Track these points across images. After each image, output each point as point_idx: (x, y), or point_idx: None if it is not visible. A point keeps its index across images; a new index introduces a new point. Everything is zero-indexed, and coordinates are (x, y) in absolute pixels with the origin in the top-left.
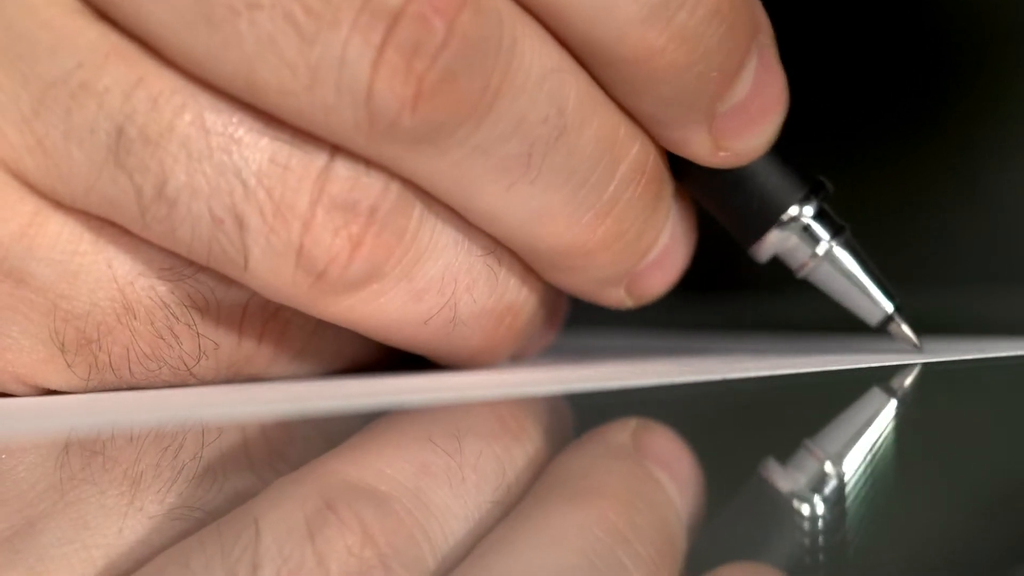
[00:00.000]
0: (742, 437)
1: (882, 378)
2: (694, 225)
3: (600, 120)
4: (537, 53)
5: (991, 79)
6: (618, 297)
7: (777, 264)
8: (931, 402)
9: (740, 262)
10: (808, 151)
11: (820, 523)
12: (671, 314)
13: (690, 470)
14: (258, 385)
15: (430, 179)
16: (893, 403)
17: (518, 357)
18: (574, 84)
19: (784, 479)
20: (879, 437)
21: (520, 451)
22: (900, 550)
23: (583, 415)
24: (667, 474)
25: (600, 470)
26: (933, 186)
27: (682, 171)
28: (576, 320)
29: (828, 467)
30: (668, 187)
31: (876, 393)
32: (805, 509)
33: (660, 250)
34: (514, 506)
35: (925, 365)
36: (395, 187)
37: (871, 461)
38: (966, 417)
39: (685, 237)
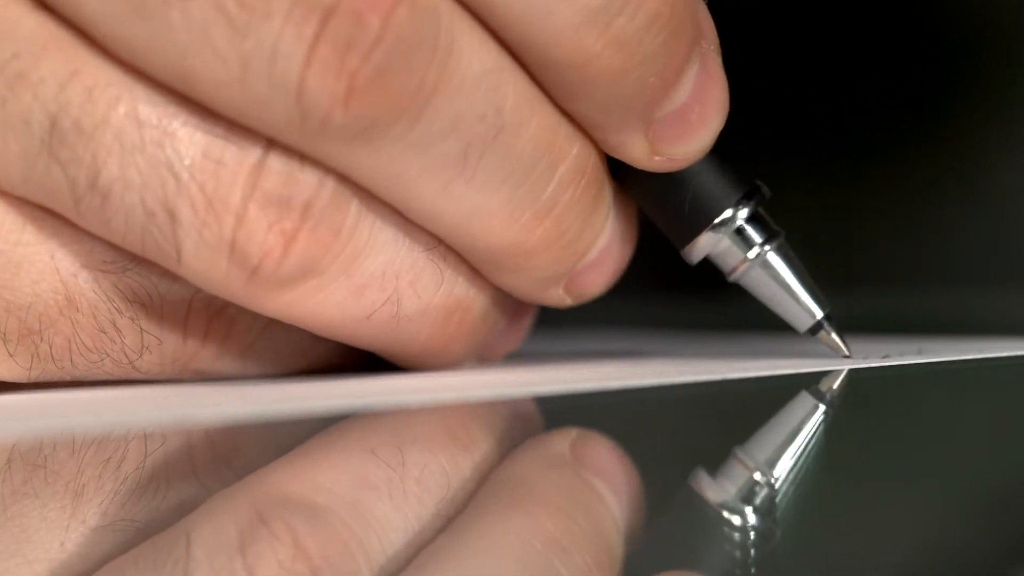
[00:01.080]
0: (679, 444)
1: (810, 383)
2: (635, 225)
3: (539, 121)
4: (475, 52)
5: (991, 80)
6: (557, 296)
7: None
8: (861, 405)
9: None
10: (808, 151)
11: (751, 533)
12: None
13: (626, 479)
14: (205, 386)
15: (365, 176)
16: (821, 408)
17: (484, 359)
18: (512, 84)
19: (713, 488)
20: (806, 443)
21: (467, 460)
22: (847, 557)
23: (519, 422)
24: (604, 483)
25: (539, 481)
26: (933, 186)
27: (619, 171)
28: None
29: (758, 476)
30: (608, 188)
31: (804, 398)
32: (736, 519)
33: (599, 250)
34: (455, 517)
35: (855, 370)
36: (330, 183)
37: (799, 468)
38: (966, 417)
39: (625, 237)
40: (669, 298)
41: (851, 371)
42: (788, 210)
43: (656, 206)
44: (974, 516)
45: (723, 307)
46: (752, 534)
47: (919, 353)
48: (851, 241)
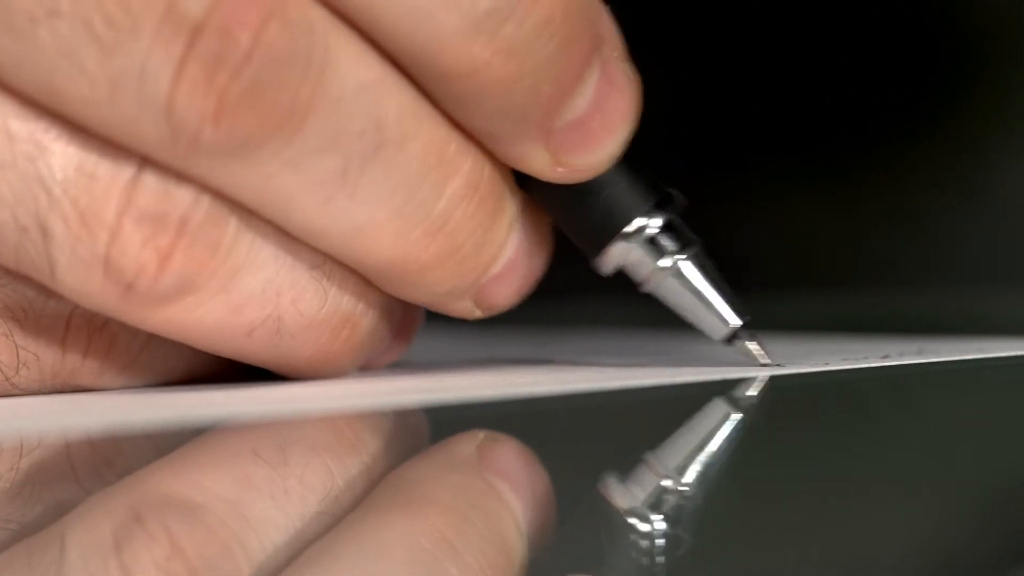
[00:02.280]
0: (589, 450)
1: (725, 390)
2: (547, 236)
3: (426, 135)
4: (354, 65)
5: (991, 80)
6: (466, 308)
7: (777, 264)
8: (778, 412)
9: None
10: (808, 152)
11: (658, 540)
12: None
13: (532, 484)
14: (87, 395)
15: (242, 193)
16: (734, 415)
17: (366, 368)
18: (395, 98)
19: (622, 494)
20: (718, 450)
21: (355, 463)
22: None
23: (412, 428)
24: (507, 486)
25: (437, 481)
26: (934, 186)
27: (526, 182)
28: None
29: (667, 482)
30: (509, 201)
31: (717, 404)
32: (643, 526)
33: (505, 263)
34: (343, 517)
35: (780, 377)
36: (207, 200)
37: (709, 475)
38: (966, 417)
39: (535, 249)
40: None
41: (773, 378)
42: (788, 210)
43: (566, 217)
44: (974, 516)
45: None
46: (660, 541)
47: (919, 353)
48: (851, 241)
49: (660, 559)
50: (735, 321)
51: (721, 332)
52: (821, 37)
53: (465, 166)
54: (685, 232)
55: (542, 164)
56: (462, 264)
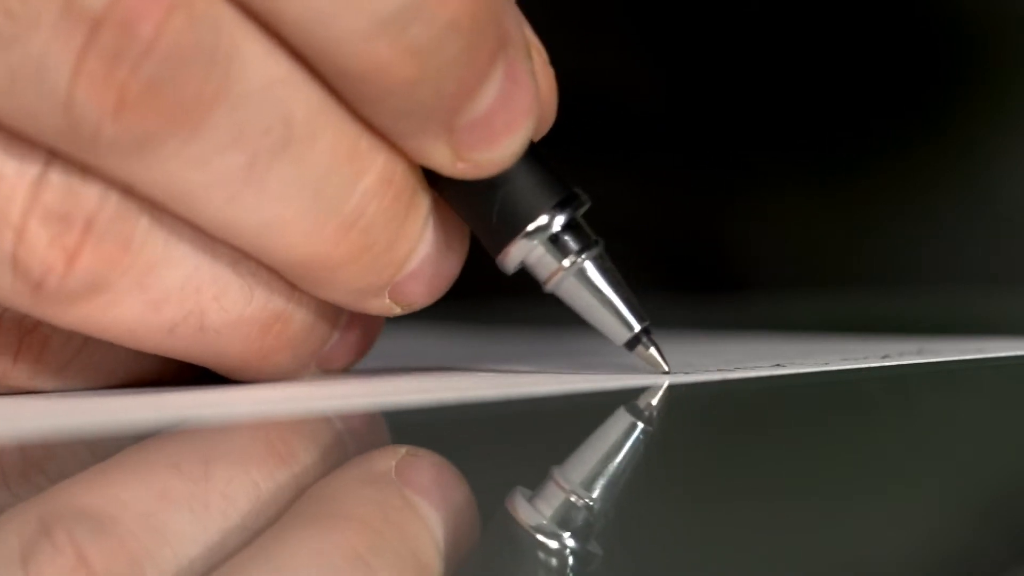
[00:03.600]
0: (505, 461)
1: (628, 399)
2: (463, 233)
3: (335, 132)
4: (261, 62)
5: (991, 80)
6: (383, 306)
7: (777, 264)
8: (677, 422)
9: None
10: (808, 152)
11: (568, 556)
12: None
13: (448, 500)
14: (23, 398)
15: (148, 189)
16: (640, 425)
17: (326, 369)
18: (304, 95)
19: (529, 511)
20: (623, 462)
21: (283, 475)
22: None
23: (342, 436)
24: (426, 503)
25: (354, 496)
26: (933, 187)
27: (434, 179)
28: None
29: (574, 498)
30: (422, 198)
31: (621, 414)
32: (552, 543)
33: (420, 260)
34: (260, 532)
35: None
36: (115, 197)
37: (616, 488)
38: (966, 417)
39: (450, 246)
40: (667, 298)
41: (671, 386)
42: (789, 210)
43: (470, 213)
44: (974, 516)
45: (723, 307)
46: (569, 558)
47: (919, 353)
48: (851, 241)
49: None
50: (636, 325)
51: (622, 336)
52: (822, 37)
53: (377, 163)
54: (588, 232)
55: (444, 160)
56: (376, 261)
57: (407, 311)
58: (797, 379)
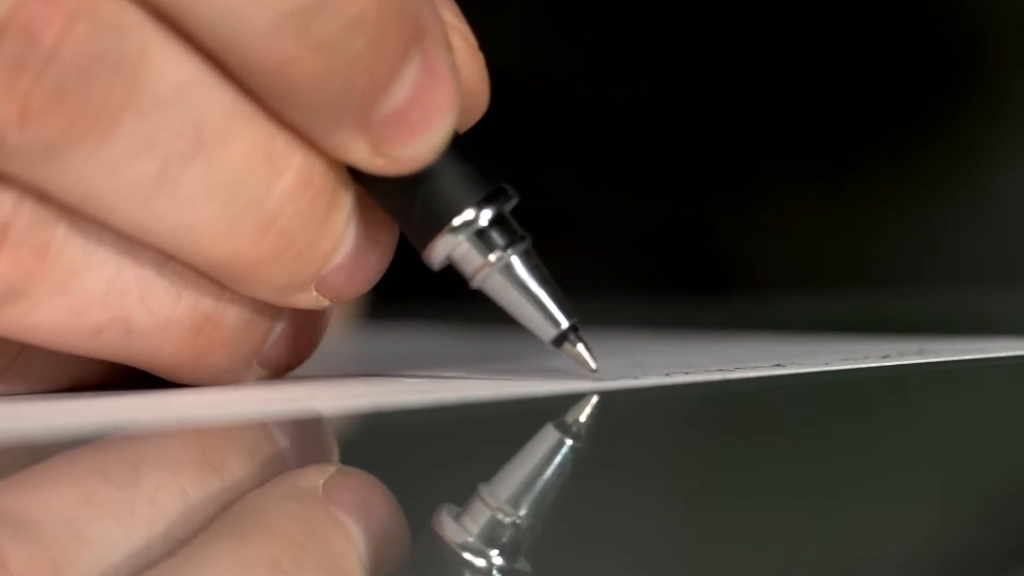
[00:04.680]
0: (432, 476)
1: (557, 411)
2: (391, 228)
3: (249, 133)
4: (170, 65)
5: (991, 80)
6: (310, 299)
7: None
8: (605, 432)
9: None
10: (808, 152)
11: (497, 573)
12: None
13: (374, 518)
14: None
15: (62, 196)
16: (568, 441)
17: (274, 369)
18: (215, 97)
19: (455, 529)
20: (548, 477)
21: (214, 484)
22: None
23: (279, 444)
24: (350, 520)
25: (280, 511)
26: (933, 187)
27: (358, 174)
28: None
29: (500, 515)
30: (344, 194)
31: (549, 430)
32: (479, 561)
33: (345, 255)
34: (185, 541)
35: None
36: (29, 204)
37: (544, 504)
38: (966, 417)
39: (378, 240)
40: (668, 299)
41: (602, 395)
42: (789, 210)
43: (395, 209)
44: (973, 516)
45: (723, 307)
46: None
47: (919, 353)
48: (851, 241)
49: None
50: (564, 322)
51: (549, 333)
52: (822, 38)
53: (294, 163)
54: (516, 227)
55: (361, 156)
56: (297, 260)
57: (337, 303)
58: (797, 379)
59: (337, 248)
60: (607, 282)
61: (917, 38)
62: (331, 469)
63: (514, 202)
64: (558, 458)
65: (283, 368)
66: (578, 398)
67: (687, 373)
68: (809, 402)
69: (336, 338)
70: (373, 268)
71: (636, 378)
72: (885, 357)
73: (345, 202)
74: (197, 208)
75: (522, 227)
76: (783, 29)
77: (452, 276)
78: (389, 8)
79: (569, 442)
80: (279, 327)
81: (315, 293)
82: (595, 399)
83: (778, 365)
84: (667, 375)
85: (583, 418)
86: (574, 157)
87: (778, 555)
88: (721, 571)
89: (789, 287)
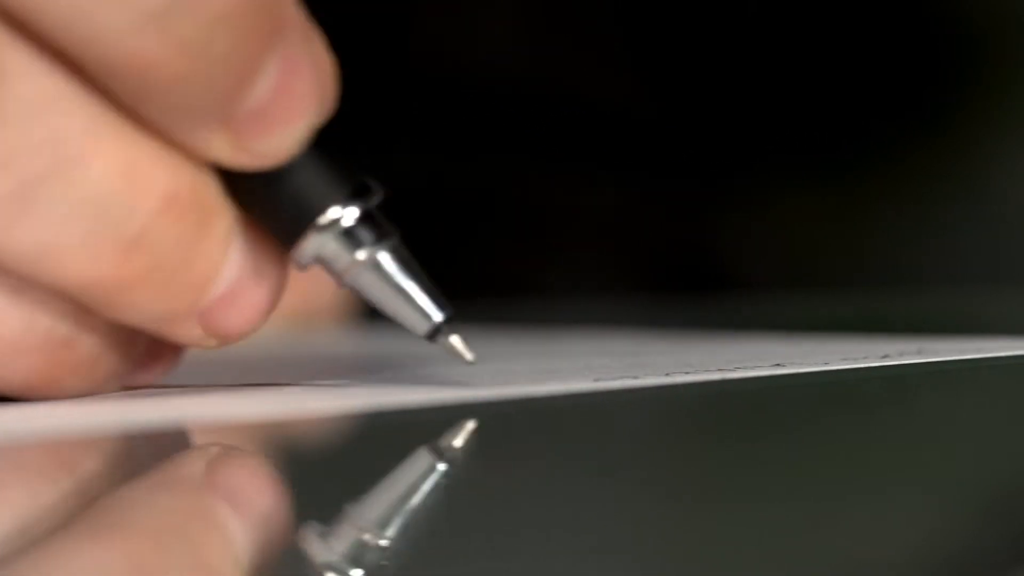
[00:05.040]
0: (295, 491)
1: (430, 438)
2: (279, 259)
3: (112, 150)
4: (29, 79)
5: (991, 80)
6: (195, 336)
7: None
8: (605, 432)
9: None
10: (809, 153)
11: None
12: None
13: (257, 503)
14: None
15: None
16: (440, 466)
17: (131, 384)
18: (77, 112)
19: (322, 549)
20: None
21: (74, 488)
22: None
23: (147, 453)
24: (227, 507)
25: (144, 505)
26: (934, 187)
27: (225, 180)
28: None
29: (367, 536)
30: (220, 216)
31: (422, 454)
32: None
33: (228, 285)
34: (39, 543)
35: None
36: None
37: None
38: (966, 417)
39: (266, 271)
40: (668, 299)
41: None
42: (789, 210)
43: (259, 210)
44: (973, 516)
45: (723, 307)
46: None
47: (919, 353)
48: (851, 241)
49: None
50: (437, 316)
51: (423, 328)
52: (822, 37)
53: (160, 180)
54: (383, 223)
55: (223, 151)
56: (168, 284)
57: (224, 343)
58: (797, 379)
59: (214, 274)
60: (607, 282)
61: (917, 38)
62: (214, 451)
63: (380, 197)
64: (430, 478)
65: (144, 383)
66: (455, 424)
67: (687, 373)
68: (809, 402)
69: (335, 339)
70: (261, 303)
71: (636, 378)
72: (885, 357)
73: (220, 224)
74: (57, 229)
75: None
76: (783, 28)
77: (451, 278)
78: (251, 3)
79: (440, 465)
80: (141, 347)
81: (199, 330)
82: (466, 426)
83: (778, 365)
84: (667, 375)
85: (458, 442)
86: (574, 157)
87: (778, 555)
88: (721, 571)
89: (789, 287)
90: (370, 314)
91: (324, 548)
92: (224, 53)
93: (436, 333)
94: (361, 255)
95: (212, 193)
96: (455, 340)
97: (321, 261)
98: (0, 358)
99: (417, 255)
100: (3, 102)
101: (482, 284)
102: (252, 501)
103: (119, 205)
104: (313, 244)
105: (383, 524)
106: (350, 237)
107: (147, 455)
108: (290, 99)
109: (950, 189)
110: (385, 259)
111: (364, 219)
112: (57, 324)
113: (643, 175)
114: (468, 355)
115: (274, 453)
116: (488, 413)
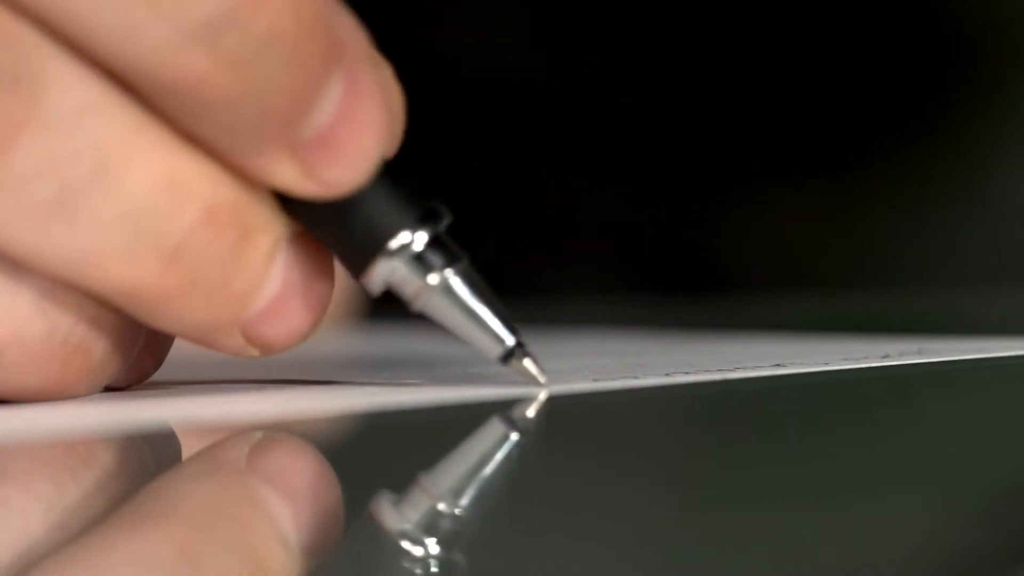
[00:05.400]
0: (369, 470)
1: (502, 409)
2: (327, 272)
3: (153, 159)
4: (71, 86)
5: (991, 80)
6: (237, 346)
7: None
8: (553, 433)
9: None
10: (809, 153)
11: (431, 564)
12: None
13: (303, 496)
14: None
15: None
16: (513, 435)
17: (116, 386)
18: (119, 121)
19: (394, 516)
20: (495, 472)
21: (94, 483)
22: None
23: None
24: (272, 491)
25: (185, 492)
26: (934, 187)
27: (288, 203)
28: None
29: (441, 505)
30: (263, 232)
31: (495, 424)
32: (417, 549)
33: (271, 299)
34: (80, 535)
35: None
36: None
37: (485, 497)
38: (966, 417)
39: (313, 282)
40: (668, 299)
41: (553, 397)
42: (789, 210)
43: (328, 235)
44: (973, 516)
45: (723, 307)
46: (433, 566)
47: (919, 353)
48: (851, 241)
49: None
50: (509, 340)
51: (495, 351)
52: (821, 37)
53: (202, 191)
54: (452, 247)
55: (289, 179)
56: (210, 297)
57: (266, 354)
58: (797, 379)
59: (256, 289)
60: (607, 282)
61: (917, 38)
62: (258, 436)
63: (448, 222)
64: (501, 451)
65: (133, 383)
66: (523, 399)
67: (687, 373)
68: (809, 402)
69: (336, 338)
70: (305, 317)
71: (636, 378)
72: (885, 357)
73: (263, 240)
74: (96, 236)
75: (528, 231)
76: (782, 28)
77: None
78: (303, 22)
79: (515, 437)
80: (139, 348)
81: (242, 340)
82: (542, 397)
83: (778, 365)
84: (667, 375)
85: (529, 414)
86: (575, 158)
87: (778, 555)
88: (721, 571)
89: (789, 287)
90: (372, 313)
91: (399, 517)
92: (276, 73)
93: (509, 356)
94: (432, 279)
95: (256, 208)
96: (528, 363)
97: (392, 286)
98: (22, 364)
99: None
100: (45, 110)
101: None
102: (296, 483)
103: (159, 216)
104: (384, 269)
105: (457, 493)
106: (420, 262)
107: (163, 454)
108: (356, 125)
109: (950, 189)
110: (456, 283)
111: (433, 243)
112: (73, 331)
113: (643, 175)
114: (541, 378)
115: (315, 441)
116: (489, 413)
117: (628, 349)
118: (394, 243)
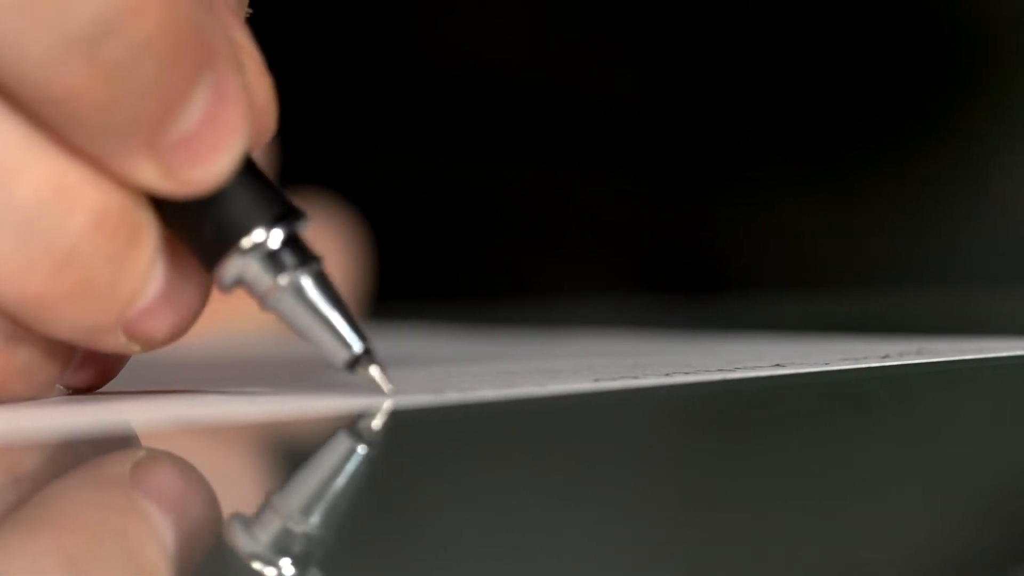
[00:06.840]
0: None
1: (348, 423)
2: (203, 272)
3: (42, 169)
4: None
5: (991, 80)
6: (119, 344)
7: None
8: (605, 432)
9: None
10: (809, 153)
11: None
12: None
13: (183, 503)
14: None
15: None
16: (360, 449)
17: (74, 387)
18: (5, 131)
19: (247, 538)
20: (344, 487)
21: (10, 490)
22: None
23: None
24: (155, 506)
25: (75, 501)
26: (933, 187)
27: (153, 200)
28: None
29: (291, 525)
30: (147, 233)
31: (341, 439)
32: (269, 571)
33: (152, 297)
34: None
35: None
36: None
37: (336, 514)
38: (966, 417)
39: (187, 282)
40: (667, 299)
41: (395, 411)
42: (789, 210)
43: (186, 232)
44: (973, 516)
45: (723, 307)
46: None
47: (919, 353)
48: (851, 241)
49: None
50: (357, 346)
51: (342, 357)
52: (821, 37)
53: (90, 199)
54: (308, 249)
55: (151, 179)
56: (97, 300)
57: (148, 349)
58: (797, 379)
59: (141, 289)
60: (607, 282)
61: (917, 38)
62: (140, 454)
63: (306, 222)
64: (349, 465)
65: (88, 389)
66: (367, 413)
67: (687, 373)
68: (809, 402)
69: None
70: (184, 313)
71: (636, 378)
72: (885, 357)
73: (147, 241)
74: None
75: (528, 231)
76: (783, 27)
77: (451, 278)
78: (179, 30)
79: (360, 448)
80: (80, 353)
81: (124, 338)
82: (385, 410)
83: (778, 365)
84: (667, 375)
85: (375, 426)
86: (575, 157)
87: (778, 555)
88: (721, 571)
89: (789, 287)
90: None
91: (249, 538)
92: (149, 82)
93: (355, 363)
94: (283, 279)
95: (141, 211)
96: (375, 371)
97: (243, 283)
98: None
99: (418, 255)
100: None
101: (482, 284)
102: (175, 498)
103: (49, 222)
104: (235, 266)
105: (307, 510)
106: (273, 260)
107: (86, 459)
108: (219, 129)
109: (950, 189)
110: (308, 284)
111: (288, 243)
112: None
113: (643, 175)
114: (387, 386)
115: (208, 454)
116: (488, 413)
117: (628, 349)
118: (247, 240)
